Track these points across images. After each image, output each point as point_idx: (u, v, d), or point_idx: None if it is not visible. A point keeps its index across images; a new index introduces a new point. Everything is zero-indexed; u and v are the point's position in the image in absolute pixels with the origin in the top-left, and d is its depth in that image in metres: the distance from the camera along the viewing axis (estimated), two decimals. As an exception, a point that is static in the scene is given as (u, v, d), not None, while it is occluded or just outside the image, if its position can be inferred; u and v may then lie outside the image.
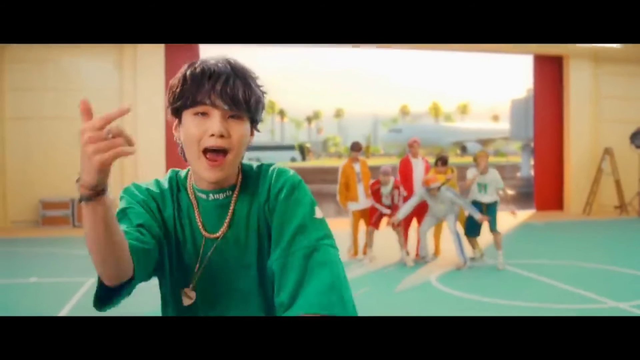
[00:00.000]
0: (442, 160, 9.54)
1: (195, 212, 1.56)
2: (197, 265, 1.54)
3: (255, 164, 1.62)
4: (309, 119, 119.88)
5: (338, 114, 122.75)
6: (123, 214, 1.50)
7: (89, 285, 7.56)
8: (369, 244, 9.24)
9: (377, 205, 9.07)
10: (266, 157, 57.41)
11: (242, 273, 1.55)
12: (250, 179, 1.58)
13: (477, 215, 8.51)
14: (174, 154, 13.18)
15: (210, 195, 1.54)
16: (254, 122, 1.54)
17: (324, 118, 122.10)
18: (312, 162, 71.90)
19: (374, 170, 9.54)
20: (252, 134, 1.56)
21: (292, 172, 1.57)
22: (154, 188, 1.59)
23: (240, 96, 1.44)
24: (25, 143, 13.59)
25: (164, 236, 1.54)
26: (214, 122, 1.43)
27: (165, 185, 1.60)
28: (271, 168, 1.59)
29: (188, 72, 1.46)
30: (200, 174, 1.48)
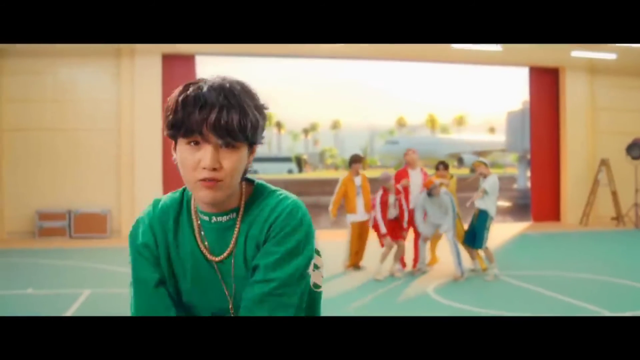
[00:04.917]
0: (443, 164, 9.63)
1: (197, 235, 1.55)
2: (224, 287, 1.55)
3: (271, 188, 1.57)
4: (306, 131, 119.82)
5: (335, 125, 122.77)
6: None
7: (86, 296, 7.53)
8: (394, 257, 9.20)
9: (381, 223, 8.84)
10: (263, 168, 57.35)
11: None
12: (257, 204, 1.53)
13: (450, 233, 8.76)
14: (172, 165, 12.87)
15: (213, 217, 1.52)
16: (253, 144, 1.49)
17: (320, 130, 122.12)
18: (308, 174, 71.83)
19: (372, 182, 9.52)
20: (253, 151, 1.51)
21: (302, 219, 1.50)
22: (148, 228, 1.57)
23: (235, 126, 1.38)
24: (22, 154, 13.56)
25: (167, 268, 1.56)
26: (206, 155, 1.40)
27: (166, 209, 1.59)
28: (284, 207, 1.50)
29: (180, 99, 1.41)
30: (197, 196, 1.46)
